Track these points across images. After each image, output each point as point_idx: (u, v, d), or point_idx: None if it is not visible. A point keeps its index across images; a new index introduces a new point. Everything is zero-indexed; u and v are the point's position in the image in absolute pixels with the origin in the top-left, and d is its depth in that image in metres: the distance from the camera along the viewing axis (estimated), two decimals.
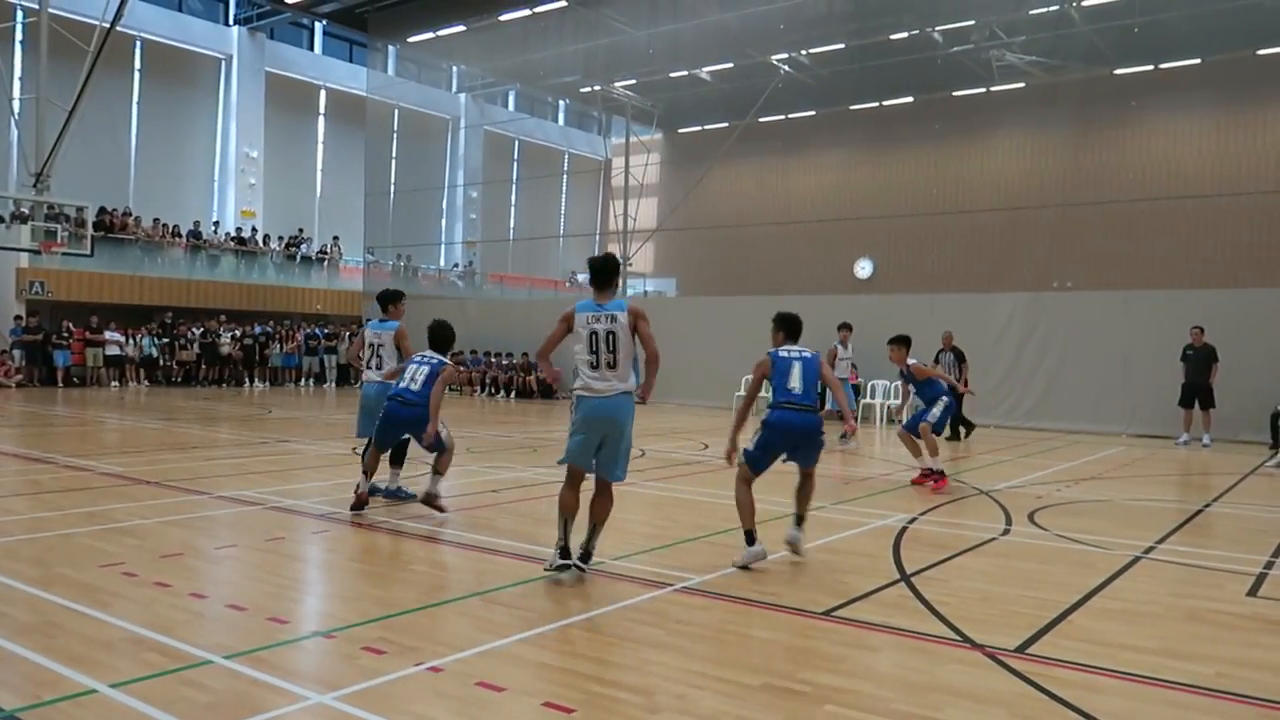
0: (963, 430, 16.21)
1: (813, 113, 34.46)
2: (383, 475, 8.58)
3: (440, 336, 8.18)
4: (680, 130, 38.16)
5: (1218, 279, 22.39)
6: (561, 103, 40.04)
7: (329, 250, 32.10)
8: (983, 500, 9.59)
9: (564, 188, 40.52)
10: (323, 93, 34.27)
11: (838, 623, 5.20)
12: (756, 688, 4.19)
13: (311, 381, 28.22)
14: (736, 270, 33.97)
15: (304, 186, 33.76)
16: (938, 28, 25.65)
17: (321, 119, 34.34)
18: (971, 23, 25.19)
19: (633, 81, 31.28)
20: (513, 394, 25.42)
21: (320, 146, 34.37)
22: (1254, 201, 25.75)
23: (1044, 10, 24.11)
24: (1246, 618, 5.50)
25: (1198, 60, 28.21)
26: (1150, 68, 29.01)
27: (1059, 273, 26.82)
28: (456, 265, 36.96)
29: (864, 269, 33.42)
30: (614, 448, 5.93)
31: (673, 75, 30.84)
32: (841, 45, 27.59)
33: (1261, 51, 27.03)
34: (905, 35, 26.33)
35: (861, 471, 11.92)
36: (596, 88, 32.00)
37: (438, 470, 7.90)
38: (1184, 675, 4.46)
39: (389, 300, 8.93)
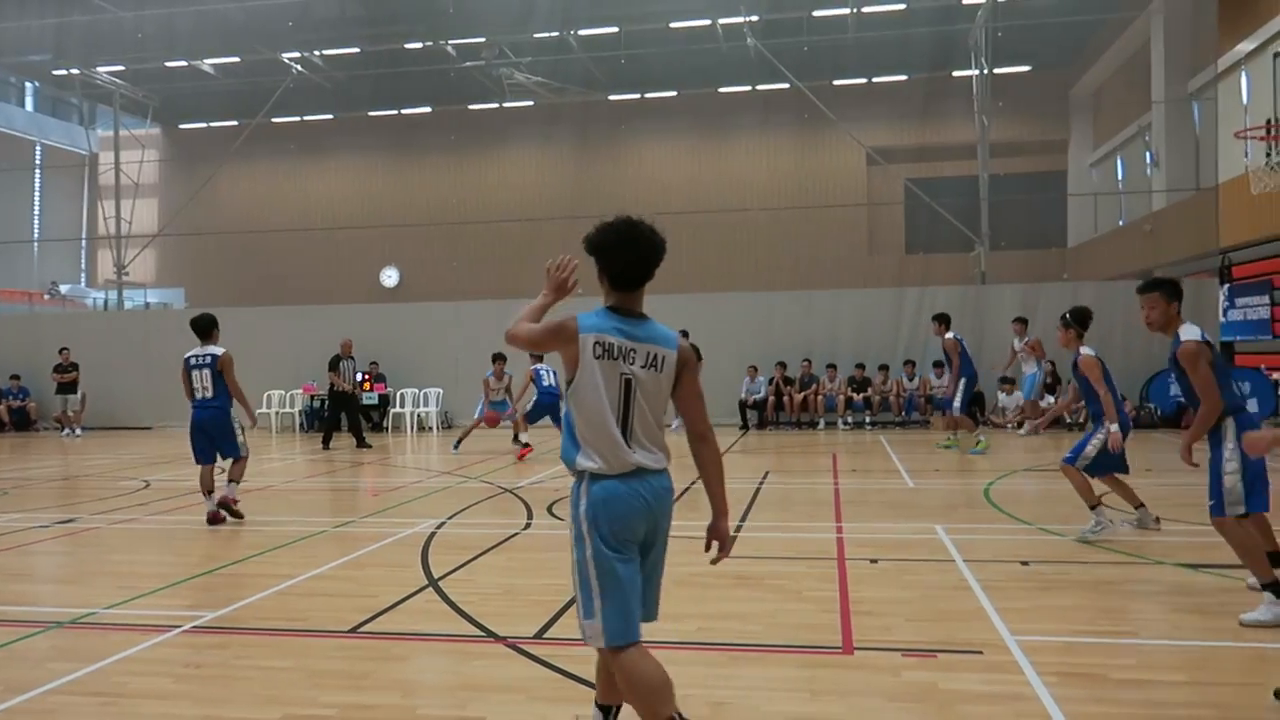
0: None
1: (330, 116, 33.51)
2: None
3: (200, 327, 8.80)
4: (182, 126, 34.86)
5: (695, 285, 25.76)
6: (29, 85, 34.39)
7: None
8: (507, 498, 10.07)
9: (37, 184, 34.85)
10: None
11: (364, 638, 5.13)
12: None
13: None
14: (254, 279, 31.90)
15: None
16: (451, 41, 26.33)
17: None
18: (482, 40, 26.23)
19: (121, 68, 27.85)
20: None
21: None
22: (720, 219, 30.15)
23: (546, 35, 25.88)
24: (723, 576, 6.40)
25: (675, 93, 32.28)
26: (638, 96, 32.59)
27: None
28: None
29: (390, 277, 33.28)
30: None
31: (170, 65, 27.98)
32: (357, 49, 27.16)
33: (723, 90, 31.70)
34: (420, 46, 26.66)
35: (393, 480, 11.86)
36: (75, 71, 27.99)
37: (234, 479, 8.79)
38: (674, 634, 5.07)
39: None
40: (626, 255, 3.60)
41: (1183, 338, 5.39)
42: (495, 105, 32.06)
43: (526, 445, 14.37)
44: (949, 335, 14.11)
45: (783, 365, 18.70)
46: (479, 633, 5.16)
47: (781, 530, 8.08)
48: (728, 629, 5.18)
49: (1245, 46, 20.43)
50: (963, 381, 13.74)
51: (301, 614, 5.62)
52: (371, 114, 33.58)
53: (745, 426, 18.55)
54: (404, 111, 33.66)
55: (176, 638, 5.17)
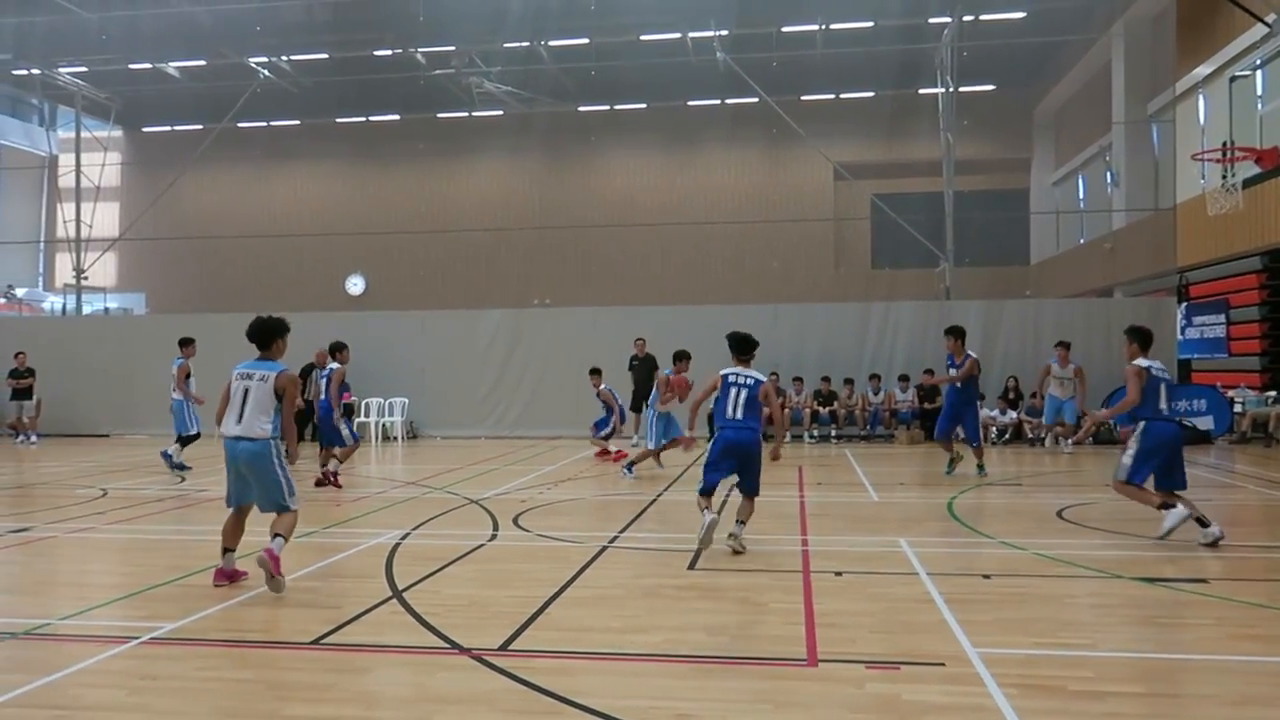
0: None
1: (297, 122, 33.29)
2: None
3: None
4: (146, 129, 34.44)
5: (663, 297, 25.85)
6: None
7: None
8: (472, 509, 10.02)
9: None
10: None
11: (327, 649, 5.08)
12: None
13: None
14: (217, 285, 31.59)
15: None
16: (420, 49, 26.27)
17: None
18: (452, 48, 26.19)
19: (83, 69, 27.47)
20: None
21: None
22: (689, 231, 30.30)
23: (516, 45, 25.89)
24: (687, 588, 6.44)
25: (644, 105, 32.41)
26: (607, 107, 32.69)
27: (538, 290, 28.99)
28: None
29: (356, 285, 33.06)
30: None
31: (133, 67, 27.65)
32: (325, 55, 27.01)
33: (692, 103, 31.88)
34: (389, 53, 26.56)
35: (357, 490, 11.77)
36: (35, 71, 27.56)
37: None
38: (640, 646, 5.09)
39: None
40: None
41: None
42: (465, 114, 32.01)
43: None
44: (972, 355, 12.78)
45: None
46: (443, 644, 5.13)
47: (748, 543, 8.12)
48: (693, 641, 5.19)
49: (1202, 70, 20.92)
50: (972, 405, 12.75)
51: (263, 625, 5.56)
52: (339, 120, 33.41)
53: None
54: (372, 119, 33.53)
55: (134, 649, 5.09)
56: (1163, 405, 7.88)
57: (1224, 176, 12.29)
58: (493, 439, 19.27)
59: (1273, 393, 17.72)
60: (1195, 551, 7.43)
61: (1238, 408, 17.32)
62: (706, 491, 7.61)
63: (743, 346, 8.03)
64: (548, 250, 31.44)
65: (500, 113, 31.51)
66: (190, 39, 25.71)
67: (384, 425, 19.49)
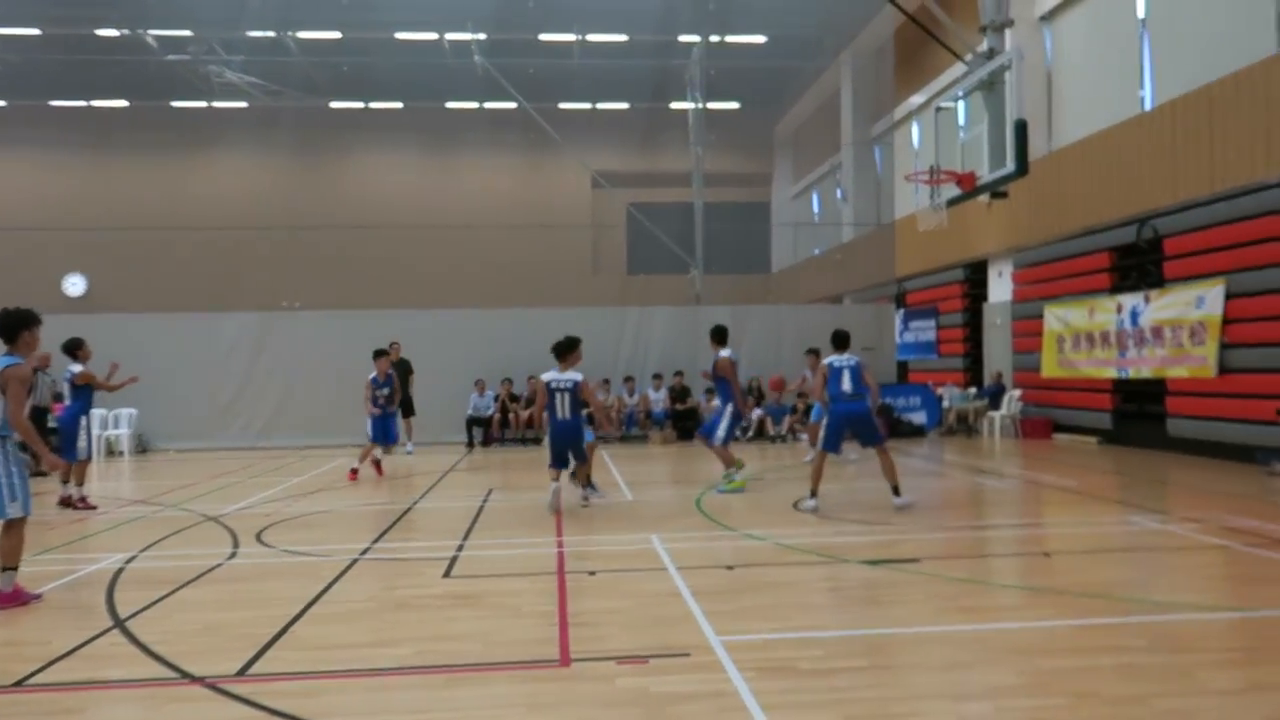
0: None
1: (4, 103, 29.71)
2: None
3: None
4: None
5: (421, 300, 25.26)
6: None
7: None
8: (209, 526, 9.33)
9: None
10: None
11: (31, 692, 4.55)
12: None
13: None
14: None
15: None
16: (151, 31, 24.18)
17: None
18: (189, 33, 24.31)
19: None
20: None
21: None
22: (447, 235, 29.81)
23: (261, 34, 24.44)
24: (441, 597, 6.32)
25: (400, 105, 31.57)
26: (361, 105, 31.56)
27: (288, 293, 27.50)
28: None
29: (75, 285, 29.95)
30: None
31: None
32: (37, 30, 24.25)
33: (450, 105, 31.41)
34: (116, 33, 24.26)
35: (74, 512, 10.61)
36: None
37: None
38: (391, 660, 4.93)
39: None
40: None
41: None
42: (204, 104, 29.81)
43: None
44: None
45: (509, 382, 18.74)
46: (173, 674, 4.74)
47: (504, 547, 8.09)
48: (445, 650, 5.09)
49: (916, 99, 23.15)
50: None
51: None
52: (54, 103, 30.13)
53: (471, 444, 18.39)
54: (95, 104, 30.50)
55: None
56: (846, 388, 9.61)
57: (932, 196, 13.60)
58: (236, 451, 18.05)
59: (973, 390, 19.88)
60: (912, 534, 8.17)
61: (945, 403, 19.27)
62: (553, 467, 9.94)
63: (560, 350, 10.09)
64: (298, 252, 29.89)
65: (244, 105, 29.61)
66: None
67: (108, 439, 17.75)
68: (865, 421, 9.63)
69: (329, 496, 11.54)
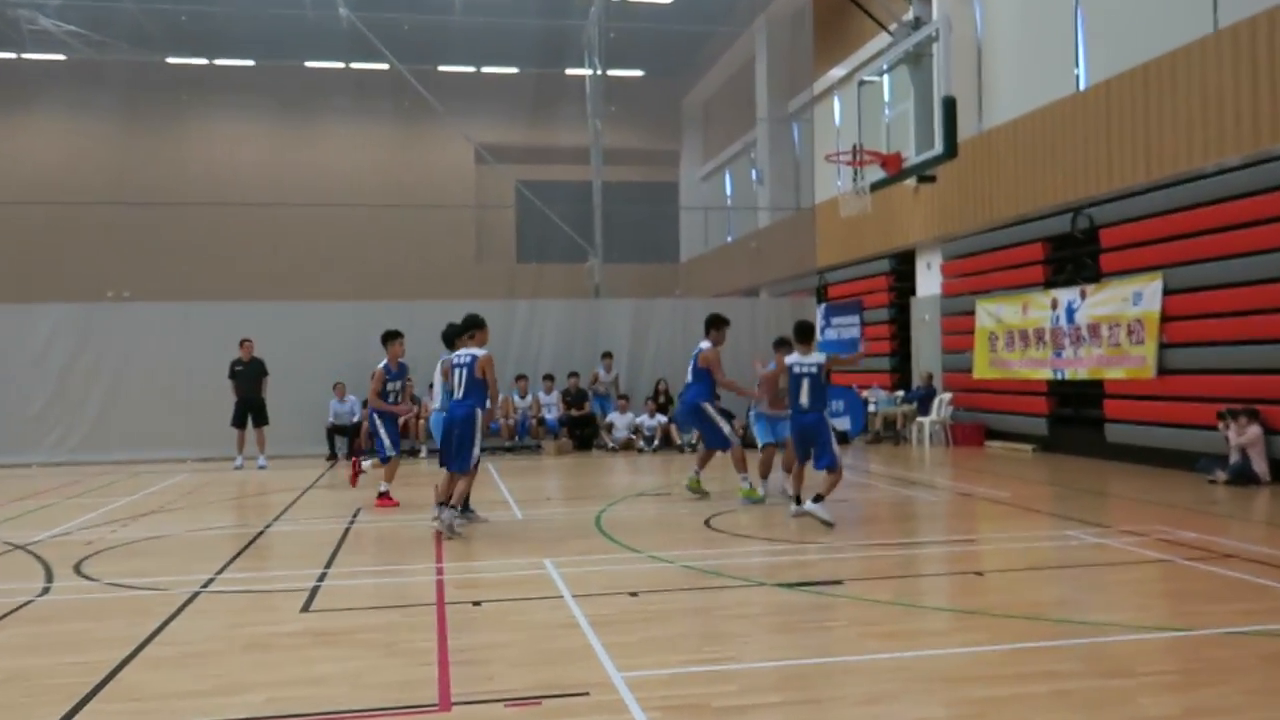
0: None
1: None
2: None
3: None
4: None
5: (274, 291, 24.56)
6: None
7: None
8: (17, 557, 8.89)
9: None
10: None
11: None
12: None
13: None
14: None
15: None
16: None
17: None
18: None
19: None
20: None
21: None
22: (306, 214, 29.06)
23: None
24: (299, 635, 6.15)
25: (252, 62, 30.69)
26: (204, 62, 30.56)
27: (115, 281, 26.42)
28: None
29: None
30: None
31: None
32: None
33: (310, 64, 30.69)
34: None
35: None
36: None
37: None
38: (240, 709, 4.76)
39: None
40: None
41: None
42: (12, 55, 28.43)
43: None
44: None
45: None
46: None
47: (373, 575, 7.93)
48: (304, 697, 4.96)
49: (837, 72, 23.66)
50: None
51: None
52: None
53: (334, 456, 17.96)
54: None
55: None
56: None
57: (855, 179, 13.93)
58: (50, 467, 17.25)
59: (901, 393, 20.43)
60: (834, 554, 8.34)
61: (871, 408, 19.75)
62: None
63: (449, 338, 10.38)
64: (128, 232, 28.74)
65: (62, 57, 28.33)
66: None
67: None
68: (817, 435, 9.67)
69: (164, 519, 11.13)
